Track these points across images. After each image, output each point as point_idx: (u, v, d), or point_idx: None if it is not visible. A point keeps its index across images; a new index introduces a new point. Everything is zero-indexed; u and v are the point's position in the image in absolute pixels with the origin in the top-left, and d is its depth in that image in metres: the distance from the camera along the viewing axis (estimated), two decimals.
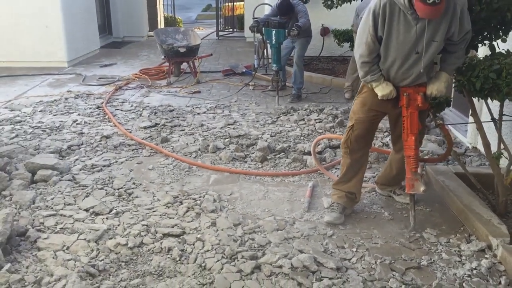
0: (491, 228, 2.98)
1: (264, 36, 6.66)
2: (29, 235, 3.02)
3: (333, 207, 3.37)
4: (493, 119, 3.38)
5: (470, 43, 3.19)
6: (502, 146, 3.34)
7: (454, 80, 3.36)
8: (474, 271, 2.70)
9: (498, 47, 3.25)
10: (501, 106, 3.27)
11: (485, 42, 3.23)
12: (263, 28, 6.56)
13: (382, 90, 3.07)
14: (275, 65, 6.52)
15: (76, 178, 3.96)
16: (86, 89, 7.36)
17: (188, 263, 2.79)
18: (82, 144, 4.79)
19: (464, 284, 2.60)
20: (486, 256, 2.84)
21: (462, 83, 3.15)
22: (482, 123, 3.38)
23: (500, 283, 2.61)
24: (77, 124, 5.47)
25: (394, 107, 3.20)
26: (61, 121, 5.52)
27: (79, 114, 5.88)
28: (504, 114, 3.31)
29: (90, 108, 6.18)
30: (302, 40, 6.60)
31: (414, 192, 3.15)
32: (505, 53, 3.12)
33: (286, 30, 6.32)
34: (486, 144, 3.33)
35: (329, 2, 7.33)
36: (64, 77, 8.37)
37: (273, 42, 6.40)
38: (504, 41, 3.21)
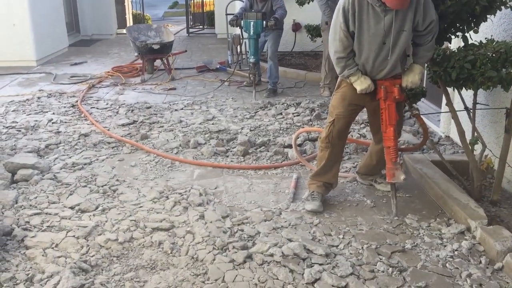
0: (469, 211, 3.13)
1: (242, 29, 6.71)
2: (16, 234, 2.98)
3: (313, 195, 3.45)
4: (466, 108, 3.53)
5: (443, 35, 3.33)
6: (475, 134, 3.50)
7: (428, 71, 3.50)
8: (456, 252, 2.83)
9: (471, 38, 3.41)
10: (475, 95, 3.42)
11: (458, 34, 3.37)
12: (241, 21, 6.61)
13: (361, 84, 3.17)
14: (252, 58, 6.57)
15: (58, 176, 3.92)
16: (58, 88, 7.23)
17: (180, 256, 2.82)
18: (60, 143, 4.73)
19: (447, 265, 2.72)
20: (466, 237, 2.98)
21: (439, 73, 3.29)
22: (457, 112, 3.54)
23: (480, 262, 2.75)
24: (52, 123, 5.38)
25: (372, 100, 3.31)
26: (36, 121, 5.42)
27: (53, 113, 5.78)
28: (478, 103, 3.47)
29: (65, 107, 6.09)
30: (274, 33, 6.68)
31: (395, 181, 3.26)
32: (478, 44, 3.27)
33: (264, 21, 6.40)
34: (461, 132, 3.49)
35: None
36: (34, 76, 8.20)
37: (251, 33, 6.46)
38: (476, 32, 3.36)
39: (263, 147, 4.66)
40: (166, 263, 2.76)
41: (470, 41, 3.33)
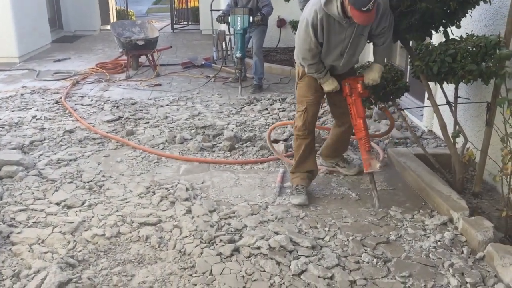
0: (452, 203, 3.19)
1: (229, 25, 6.73)
2: (1, 231, 2.96)
3: (298, 189, 3.51)
4: (448, 102, 3.60)
5: (424, 30, 3.38)
6: (457, 127, 3.57)
7: (411, 66, 3.56)
8: (439, 243, 2.90)
9: (452, 34, 3.47)
10: (456, 89, 3.49)
11: (439, 29, 3.43)
12: (229, 17, 6.62)
13: (329, 85, 3.45)
14: (239, 53, 6.59)
15: (43, 173, 3.90)
16: (42, 84, 7.16)
17: (167, 250, 2.84)
18: (44, 140, 4.70)
19: (430, 255, 2.78)
20: (448, 228, 3.05)
21: (420, 68, 3.34)
22: (438, 106, 3.61)
23: (462, 252, 2.81)
24: (37, 119, 5.34)
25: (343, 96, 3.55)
26: (20, 117, 5.37)
27: (37, 110, 5.73)
28: (459, 97, 3.53)
29: (49, 103, 6.04)
30: (259, 29, 6.70)
31: (372, 170, 3.37)
32: (459, 39, 3.33)
33: (251, 17, 6.42)
34: (443, 126, 3.55)
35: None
36: (17, 72, 8.10)
37: (238, 28, 6.48)
38: (458, 27, 3.42)
39: (249, 142, 4.69)
40: (153, 257, 2.77)
41: (451, 36, 3.39)
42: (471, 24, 3.96)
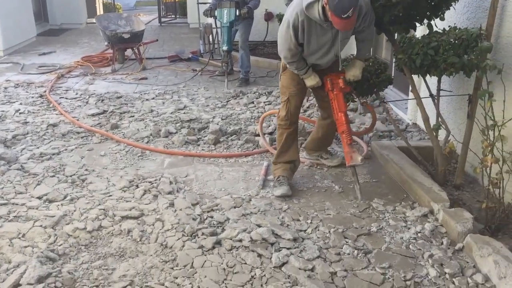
0: (433, 194, 3.22)
1: (216, 18, 6.70)
2: None
3: (280, 180, 3.52)
4: (431, 95, 3.62)
5: (408, 23, 3.39)
6: (440, 120, 3.59)
7: (395, 59, 3.58)
8: (419, 234, 2.92)
9: (436, 26, 3.48)
10: (439, 82, 3.51)
11: (423, 22, 3.44)
12: (215, 11, 6.59)
13: (311, 81, 3.50)
14: (225, 46, 6.57)
15: (25, 167, 3.86)
16: (26, 78, 7.09)
17: (149, 243, 2.83)
18: (27, 133, 4.66)
19: (410, 246, 2.81)
20: (429, 220, 3.07)
21: (404, 60, 3.35)
22: (422, 99, 3.63)
23: (442, 243, 2.84)
24: (20, 113, 5.29)
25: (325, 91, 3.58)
26: (3, 111, 5.31)
27: (21, 104, 5.67)
28: (442, 89, 3.55)
29: (33, 97, 5.98)
30: (244, 22, 6.68)
31: (353, 163, 3.39)
32: (442, 31, 3.34)
33: (237, 10, 6.40)
34: (426, 118, 3.57)
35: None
36: (1, 66, 8.02)
37: (225, 21, 6.46)
38: (442, 19, 3.43)
39: (235, 135, 4.68)
40: (135, 251, 2.76)
41: (435, 29, 3.40)
42: (454, 16, 3.98)
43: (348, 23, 2.99)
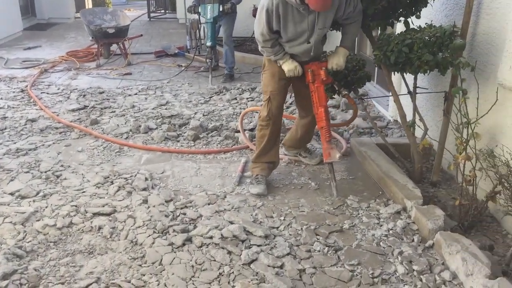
0: (406, 191, 3.22)
1: (200, 14, 6.67)
2: None
3: (258, 179, 3.48)
4: (409, 92, 3.62)
5: (385, 20, 3.38)
6: (418, 117, 3.59)
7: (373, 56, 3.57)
8: (391, 231, 2.92)
9: (413, 24, 3.47)
10: (415, 79, 3.50)
11: (400, 19, 3.43)
12: (199, 7, 6.55)
13: (288, 65, 3.33)
14: (209, 42, 6.55)
15: (0, 162, 3.82)
16: (9, 72, 7.01)
17: (119, 240, 2.81)
18: (5, 129, 4.61)
19: (381, 243, 2.81)
20: (401, 217, 3.07)
21: (379, 57, 3.34)
22: (402, 96, 3.63)
23: (413, 240, 2.84)
24: None
25: (297, 78, 3.45)
26: None
27: (1, 98, 5.62)
28: (418, 87, 3.55)
29: (14, 92, 5.92)
30: (228, 18, 6.64)
31: (331, 160, 3.36)
32: (417, 29, 3.34)
33: (221, 5, 6.37)
34: (402, 115, 3.57)
35: None
36: None
37: (208, 17, 6.42)
38: (418, 17, 3.42)
39: (215, 131, 4.66)
40: (104, 248, 2.74)
41: (412, 26, 3.40)
42: (433, 14, 3.98)
43: (323, 2, 2.89)
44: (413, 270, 2.55)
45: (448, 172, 3.83)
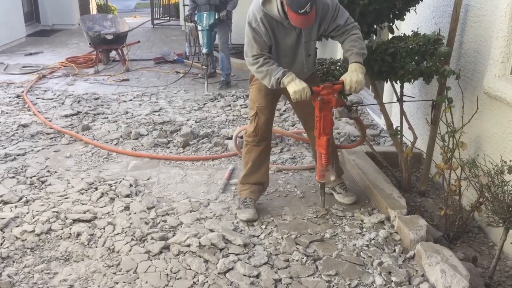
0: (391, 201, 3.17)
1: (196, 22, 6.70)
2: None
3: (246, 202, 3.22)
4: (398, 100, 3.57)
5: (369, 30, 3.34)
6: (407, 126, 3.54)
7: None
8: (372, 241, 2.87)
9: (398, 29, 3.43)
10: (401, 88, 3.45)
11: (384, 25, 3.39)
12: (195, 15, 6.59)
13: (295, 86, 2.82)
14: (205, 49, 6.56)
15: None
16: (7, 78, 7.06)
17: (96, 247, 2.78)
18: None
19: (361, 253, 2.76)
20: (384, 227, 3.02)
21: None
22: (394, 104, 3.58)
23: (394, 251, 2.79)
24: None
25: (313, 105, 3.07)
26: None
27: None
28: (405, 95, 3.50)
29: (10, 97, 5.95)
30: (223, 25, 6.66)
31: (324, 181, 3.17)
32: (402, 37, 3.30)
33: (216, 13, 6.39)
34: (389, 124, 3.53)
35: None
36: None
37: (204, 25, 6.45)
38: (402, 20, 3.37)
39: (206, 138, 4.64)
40: (81, 255, 2.72)
41: (400, 34, 3.36)
42: (423, 21, 3.95)
43: (305, 19, 2.70)
44: (392, 281, 2.50)
45: (438, 181, 3.78)
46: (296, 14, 2.68)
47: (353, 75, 2.85)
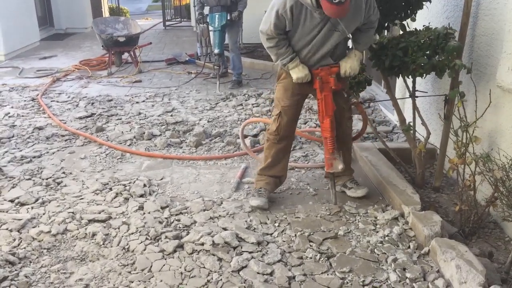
0: (405, 197, 3.15)
1: (208, 23, 6.77)
2: None
3: (260, 192, 3.31)
4: (411, 96, 3.54)
5: (380, 24, 3.32)
6: (420, 121, 3.51)
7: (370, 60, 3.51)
8: (386, 238, 2.85)
9: (408, 27, 3.42)
10: (413, 83, 3.43)
11: (396, 22, 3.37)
12: (207, 16, 6.65)
13: (298, 72, 3.08)
14: (217, 49, 6.60)
15: (4, 170, 3.89)
16: (22, 81, 7.16)
17: (111, 246, 2.82)
18: (13, 136, 4.69)
19: (375, 250, 2.74)
20: (398, 223, 3.01)
21: (375, 62, 3.29)
22: (407, 100, 3.55)
23: (409, 247, 2.77)
24: (9, 117, 5.33)
25: (313, 88, 3.23)
26: None
27: (12, 107, 5.73)
28: (417, 90, 3.48)
29: (25, 100, 6.04)
30: (233, 25, 6.69)
31: (333, 170, 3.22)
32: (413, 31, 3.28)
33: (228, 14, 6.43)
34: (402, 120, 3.51)
35: None
36: (0, 70, 8.09)
37: (216, 25, 6.49)
38: (413, 20, 3.37)
39: (218, 138, 4.66)
40: (96, 254, 2.75)
41: (412, 29, 3.34)
42: (434, 16, 3.91)
43: (340, 9, 2.72)
44: (406, 277, 2.49)
45: (452, 176, 3.75)
46: (330, 4, 2.71)
47: (349, 61, 3.12)
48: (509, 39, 2.81)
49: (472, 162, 2.83)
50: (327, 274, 2.54)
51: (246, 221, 3.09)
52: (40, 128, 4.92)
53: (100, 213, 3.18)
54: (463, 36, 3.18)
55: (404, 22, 3.39)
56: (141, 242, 2.84)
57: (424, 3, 3.26)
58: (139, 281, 2.50)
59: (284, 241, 2.86)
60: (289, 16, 2.92)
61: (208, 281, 2.49)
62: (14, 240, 2.88)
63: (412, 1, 3.16)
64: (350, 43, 3.30)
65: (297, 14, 2.93)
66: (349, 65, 3.11)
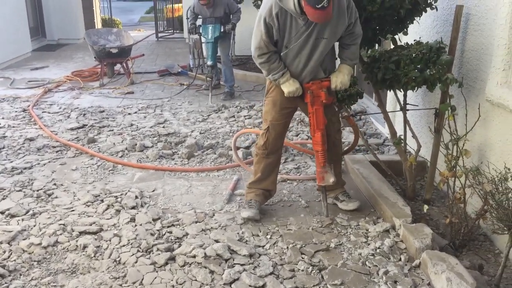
0: (396, 210, 3.17)
1: (201, 35, 6.80)
2: None
3: (251, 203, 3.32)
4: (401, 109, 3.59)
5: (373, 38, 3.37)
6: (411, 134, 3.55)
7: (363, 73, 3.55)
8: (378, 250, 2.87)
9: (400, 41, 3.47)
10: (404, 96, 3.47)
11: (388, 36, 3.42)
12: (200, 27, 6.68)
13: (289, 86, 3.09)
14: (210, 61, 6.63)
15: None
16: (13, 92, 7.13)
17: (103, 259, 2.80)
18: (3, 148, 4.66)
19: (367, 262, 2.75)
20: (389, 236, 3.02)
21: (368, 75, 3.33)
22: (398, 113, 3.59)
23: (400, 259, 2.79)
24: (0, 127, 5.30)
25: (302, 101, 3.25)
26: None
27: (3, 118, 5.70)
28: (408, 103, 3.52)
29: (16, 111, 6.01)
30: (224, 37, 6.73)
31: (324, 184, 3.24)
32: (405, 45, 3.33)
33: (221, 26, 6.48)
34: (393, 133, 3.55)
35: (259, 2, 7.46)
36: None
37: (209, 37, 6.52)
38: (405, 34, 3.42)
39: (211, 149, 4.66)
40: (87, 267, 2.73)
41: (403, 43, 3.39)
42: (424, 31, 3.97)
43: (323, 14, 2.72)
44: None
45: (443, 189, 3.78)
46: (313, 9, 2.72)
47: (340, 75, 3.14)
48: (498, 54, 2.86)
49: (462, 175, 2.87)
50: (319, 287, 2.55)
51: (238, 233, 3.09)
52: (31, 139, 4.90)
53: (91, 225, 3.16)
54: (453, 51, 3.24)
55: (396, 36, 3.45)
56: (133, 254, 2.82)
57: (415, 18, 3.31)
58: None
59: (276, 253, 2.86)
60: (275, 23, 2.92)
61: None
62: (4, 252, 2.85)
63: (402, 16, 3.21)
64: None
65: (283, 21, 2.94)
66: (339, 80, 3.14)
